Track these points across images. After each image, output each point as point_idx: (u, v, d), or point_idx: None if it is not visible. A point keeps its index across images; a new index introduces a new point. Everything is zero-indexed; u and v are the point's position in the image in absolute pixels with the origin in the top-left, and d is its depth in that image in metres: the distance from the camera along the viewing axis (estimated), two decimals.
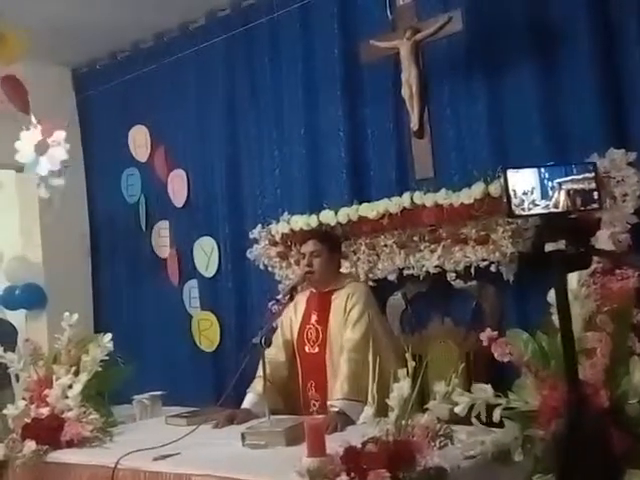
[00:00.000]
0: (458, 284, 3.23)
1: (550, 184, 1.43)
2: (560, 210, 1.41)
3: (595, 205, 1.43)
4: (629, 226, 2.68)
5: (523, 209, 1.42)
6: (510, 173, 1.43)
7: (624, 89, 2.93)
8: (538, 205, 1.42)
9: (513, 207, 1.42)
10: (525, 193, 1.42)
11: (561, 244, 1.37)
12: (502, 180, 1.42)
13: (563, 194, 1.42)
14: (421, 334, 3.36)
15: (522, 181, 1.42)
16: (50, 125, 3.71)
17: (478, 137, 3.27)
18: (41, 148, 3.73)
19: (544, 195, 1.42)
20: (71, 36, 4.18)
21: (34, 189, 4.52)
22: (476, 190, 3.04)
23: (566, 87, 3.05)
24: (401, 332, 3.43)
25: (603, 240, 2.57)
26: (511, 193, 1.42)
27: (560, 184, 1.43)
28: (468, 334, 3.15)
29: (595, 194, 1.44)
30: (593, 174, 1.44)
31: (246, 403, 2.86)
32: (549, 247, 1.37)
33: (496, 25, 3.19)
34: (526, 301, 3.03)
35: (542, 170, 1.43)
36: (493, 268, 3.04)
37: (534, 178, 1.43)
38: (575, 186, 1.42)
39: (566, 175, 1.43)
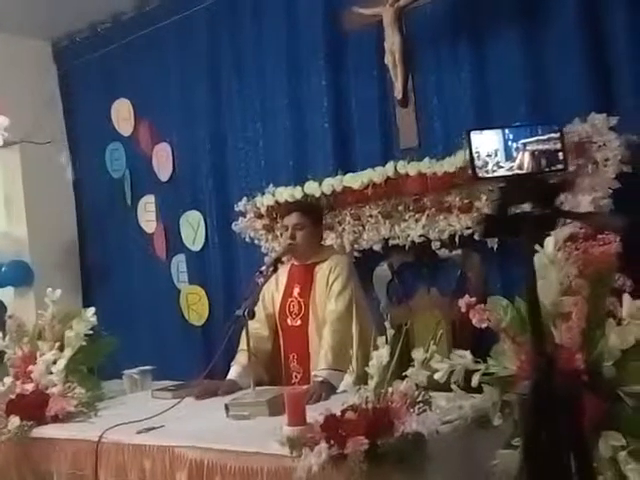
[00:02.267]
0: (443, 253, 3.23)
1: (514, 145, 1.40)
2: (525, 171, 1.38)
3: (560, 166, 1.41)
4: (611, 191, 2.67)
5: (487, 171, 1.40)
6: (474, 135, 1.40)
7: (608, 54, 2.90)
8: (502, 167, 1.39)
9: (477, 169, 1.40)
10: (489, 155, 1.39)
11: (526, 206, 1.35)
12: (466, 142, 1.39)
13: (528, 155, 1.39)
14: (407, 304, 3.37)
15: (486, 143, 1.40)
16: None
17: (462, 105, 3.24)
18: None
19: (508, 157, 1.39)
20: (49, 8, 4.11)
21: (17, 165, 4.52)
22: (459, 158, 3.02)
23: (550, 53, 3.02)
24: (388, 302, 3.44)
25: (585, 205, 2.57)
26: (475, 155, 1.40)
27: (525, 145, 1.40)
28: (453, 303, 3.15)
29: (560, 155, 1.41)
30: (558, 134, 1.42)
31: (231, 375, 2.87)
32: (513, 210, 1.35)
33: None
34: (510, 268, 3.03)
35: (506, 131, 1.40)
36: (477, 236, 3.03)
37: (498, 139, 1.40)
38: (540, 147, 1.40)
39: (531, 136, 1.40)
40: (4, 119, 3.83)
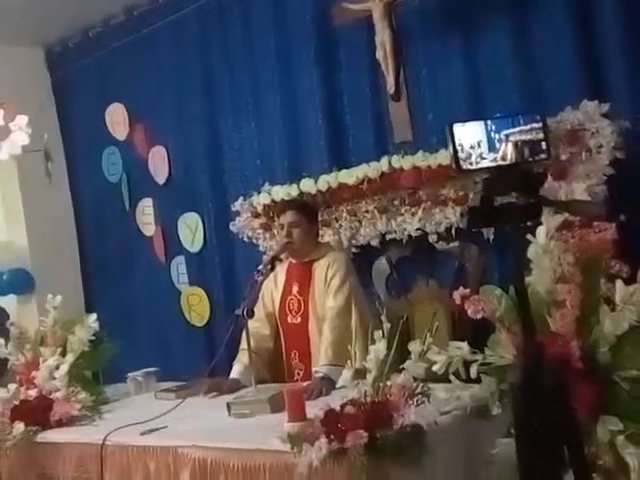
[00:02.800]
0: (440, 246, 3.24)
1: (497, 136, 1.41)
2: (508, 162, 1.39)
3: (543, 155, 1.41)
4: (604, 178, 2.67)
5: (471, 163, 1.41)
6: (456, 127, 1.41)
7: (599, 42, 2.89)
8: (485, 158, 1.40)
9: (460, 161, 1.41)
10: (472, 147, 1.40)
11: (510, 197, 1.36)
12: (448, 134, 1.40)
13: (510, 146, 1.40)
14: (407, 297, 3.38)
15: (469, 135, 1.40)
16: (13, 109, 3.67)
17: (455, 97, 3.24)
18: (2, 133, 3.71)
19: (491, 148, 1.40)
20: (41, 15, 4.12)
21: (15, 174, 4.54)
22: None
23: (541, 42, 3.02)
24: (387, 296, 3.45)
25: (579, 193, 2.57)
26: (458, 147, 1.40)
27: (507, 136, 1.41)
28: (452, 295, 3.16)
29: (543, 144, 1.42)
30: (540, 124, 1.42)
31: (233, 374, 2.89)
32: (498, 200, 1.36)
33: None
34: (507, 259, 3.02)
35: (488, 123, 1.41)
36: (464, 227, 3.04)
37: (481, 131, 1.41)
38: (523, 137, 1.40)
39: (513, 126, 1.41)
40: (22, 117, 3.70)
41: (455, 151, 1.41)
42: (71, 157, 4.79)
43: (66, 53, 4.68)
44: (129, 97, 4.41)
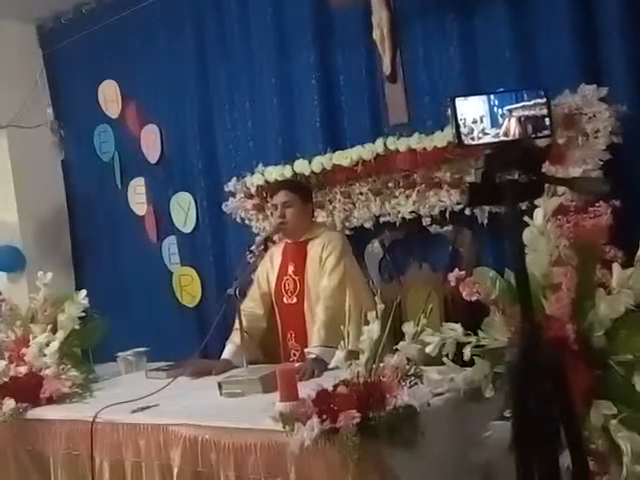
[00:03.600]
0: (434, 229, 3.22)
1: (500, 111, 1.38)
2: (510, 138, 1.37)
3: (547, 132, 1.39)
4: (601, 163, 2.66)
5: (472, 138, 1.38)
6: (458, 101, 1.39)
7: (597, 25, 2.87)
8: (488, 134, 1.38)
9: (462, 136, 1.39)
10: (474, 122, 1.38)
11: (512, 173, 1.34)
12: (450, 109, 1.38)
13: (514, 121, 1.38)
14: (400, 280, 3.37)
15: (471, 109, 1.38)
16: None
17: (451, 79, 3.21)
18: None
19: (494, 123, 1.38)
20: None
21: (5, 149, 4.48)
22: (449, 133, 2.99)
23: (539, 25, 2.99)
24: (380, 279, 3.44)
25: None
26: (460, 122, 1.38)
27: (510, 111, 1.38)
28: (445, 278, 3.15)
29: (547, 120, 1.40)
30: (544, 99, 1.40)
31: (225, 354, 2.89)
32: (499, 177, 1.34)
33: None
34: (502, 243, 3.02)
35: (491, 97, 1.38)
36: (467, 211, 3.02)
37: (483, 106, 1.38)
38: (526, 113, 1.38)
39: (516, 102, 1.38)
40: None
41: (457, 126, 1.39)
42: (63, 134, 4.73)
43: (58, 29, 4.61)
44: (122, 74, 4.35)
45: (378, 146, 3.25)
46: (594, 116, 2.68)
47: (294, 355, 2.89)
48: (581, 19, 2.88)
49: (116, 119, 4.44)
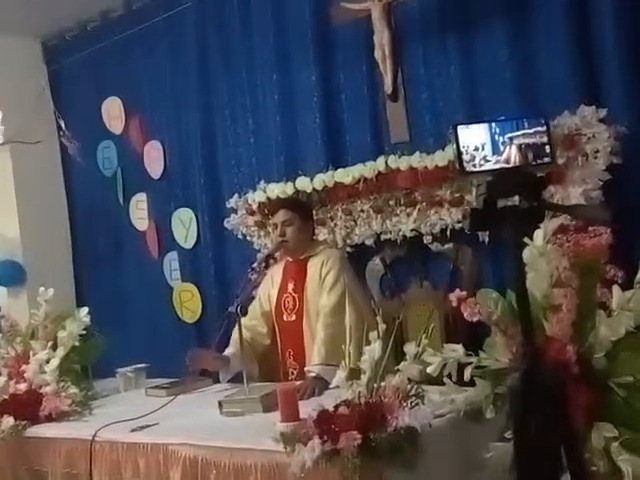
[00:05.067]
0: (435, 247, 3.24)
1: (501, 139, 1.40)
2: (511, 165, 1.39)
3: (547, 159, 1.41)
4: (601, 183, 2.68)
5: (474, 165, 1.40)
6: (460, 129, 1.40)
7: (596, 46, 2.89)
8: (489, 161, 1.40)
9: (464, 164, 1.40)
10: (476, 149, 1.39)
11: (513, 199, 1.35)
12: (453, 137, 1.39)
13: (514, 149, 1.40)
14: (401, 298, 3.37)
15: (473, 137, 1.40)
16: None
17: (452, 98, 3.24)
18: None
19: (495, 150, 1.40)
20: (38, 7, 4.09)
21: (8, 164, 4.50)
22: (450, 152, 3.01)
23: (539, 46, 3.02)
24: (381, 297, 3.44)
25: (575, 197, 2.57)
26: (462, 149, 1.40)
27: (511, 139, 1.40)
28: (446, 296, 3.15)
29: (547, 148, 1.41)
30: (545, 127, 1.42)
31: (226, 353, 2.89)
32: (501, 203, 1.35)
33: None
34: (502, 262, 3.03)
35: (493, 125, 1.40)
36: (466, 229, 3.03)
37: (485, 133, 1.40)
38: (527, 140, 1.40)
39: (517, 129, 1.40)
40: None
41: (459, 153, 1.40)
42: (66, 150, 4.74)
43: (63, 46, 4.65)
44: (126, 91, 4.38)
45: (379, 164, 3.27)
46: (593, 137, 2.70)
47: (292, 373, 2.89)
48: (580, 40, 2.91)
49: (119, 135, 4.46)
